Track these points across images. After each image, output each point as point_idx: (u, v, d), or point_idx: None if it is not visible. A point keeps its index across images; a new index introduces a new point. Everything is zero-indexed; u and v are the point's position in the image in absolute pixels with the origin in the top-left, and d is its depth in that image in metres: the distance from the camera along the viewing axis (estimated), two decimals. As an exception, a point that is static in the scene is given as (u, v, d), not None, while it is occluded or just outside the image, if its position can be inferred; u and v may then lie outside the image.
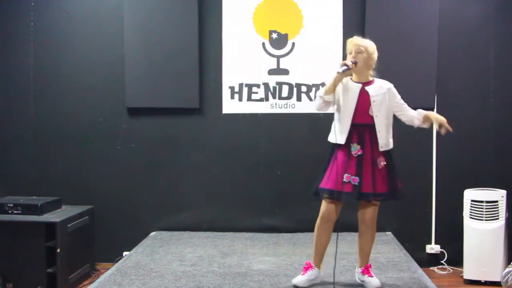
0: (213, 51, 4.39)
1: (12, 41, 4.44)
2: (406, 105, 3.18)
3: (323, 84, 4.39)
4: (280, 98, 4.40)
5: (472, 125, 4.36)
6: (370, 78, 3.12)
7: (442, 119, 3.12)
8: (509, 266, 3.48)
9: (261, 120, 4.42)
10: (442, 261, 4.35)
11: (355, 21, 4.35)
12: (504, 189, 4.01)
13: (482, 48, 4.34)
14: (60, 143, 4.45)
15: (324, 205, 3.13)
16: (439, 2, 4.28)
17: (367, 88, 3.06)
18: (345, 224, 4.37)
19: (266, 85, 4.41)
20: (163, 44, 4.31)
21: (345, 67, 2.98)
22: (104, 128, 4.45)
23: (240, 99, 4.41)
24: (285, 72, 4.41)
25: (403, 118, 3.19)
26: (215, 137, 4.43)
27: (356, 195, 3.03)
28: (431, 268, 4.30)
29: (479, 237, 3.94)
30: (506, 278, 3.43)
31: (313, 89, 4.40)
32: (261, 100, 4.41)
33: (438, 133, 4.34)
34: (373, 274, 3.17)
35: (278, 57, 4.41)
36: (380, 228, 4.35)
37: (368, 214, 3.14)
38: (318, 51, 4.38)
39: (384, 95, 3.08)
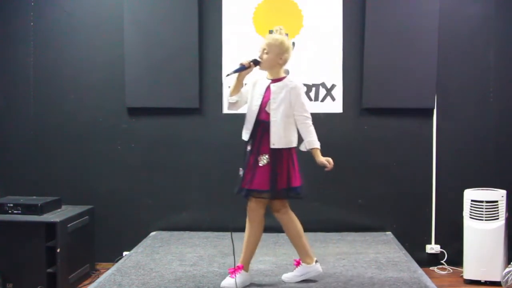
0: (213, 51, 4.39)
1: (12, 41, 4.44)
2: (303, 115, 3.08)
3: (323, 84, 4.40)
4: (280, 98, 4.40)
5: (472, 125, 4.37)
6: (281, 76, 3.12)
7: (327, 163, 3.06)
8: (509, 266, 3.49)
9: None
10: (442, 261, 4.35)
11: (355, 21, 4.35)
12: (504, 189, 4.00)
13: (482, 48, 4.34)
14: (60, 143, 4.45)
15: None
16: (439, 2, 4.28)
17: (272, 84, 3.08)
18: (340, 224, 4.41)
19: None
20: (163, 44, 4.31)
21: (242, 67, 3.01)
22: (104, 128, 4.45)
23: (240, 99, 4.41)
24: (285, 72, 4.40)
25: (298, 126, 3.12)
26: (215, 137, 4.42)
27: (241, 190, 3.05)
28: (431, 268, 4.30)
29: (479, 237, 3.94)
30: (506, 278, 3.43)
31: (313, 89, 4.40)
32: (261, 100, 4.40)
33: (438, 133, 4.37)
34: (234, 276, 3.04)
35: (278, 57, 4.41)
36: (380, 228, 4.39)
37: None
38: (318, 51, 4.38)
39: (286, 93, 3.05)
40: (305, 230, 4.37)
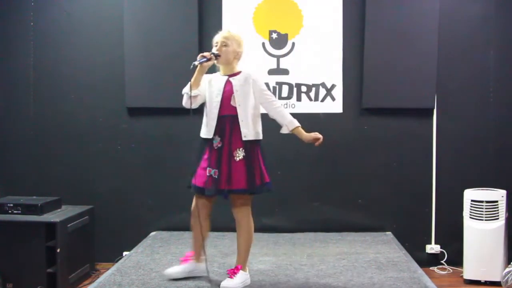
0: (213, 51, 4.39)
1: (12, 41, 4.44)
2: (275, 100, 3.16)
3: (323, 84, 4.40)
4: (280, 98, 4.40)
5: (472, 125, 4.37)
6: (237, 70, 3.14)
7: (316, 137, 3.10)
8: (509, 266, 3.49)
9: (261, 120, 4.41)
10: (442, 261, 4.35)
11: (355, 21, 4.35)
12: (504, 189, 4.00)
13: (482, 48, 4.34)
14: (60, 143, 4.45)
15: (193, 201, 3.18)
16: (439, 2, 4.28)
17: (231, 79, 3.09)
18: (340, 224, 4.41)
19: (266, 85, 4.36)
20: (163, 44, 4.31)
21: (203, 59, 3.00)
22: (104, 128, 4.45)
23: (240, 99, 4.40)
24: (285, 72, 4.41)
25: (268, 112, 3.16)
26: (215, 137, 4.42)
27: (215, 191, 3.02)
28: (431, 268, 4.30)
29: (479, 237, 3.94)
30: (506, 278, 3.44)
31: (313, 89, 4.40)
32: (261, 100, 4.40)
33: (438, 133, 4.37)
34: (234, 277, 3.04)
35: (278, 57, 4.41)
36: (380, 228, 4.39)
37: (235, 209, 3.12)
38: (318, 51, 4.38)
39: (249, 86, 3.08)
40: (305, 230, 4.41)
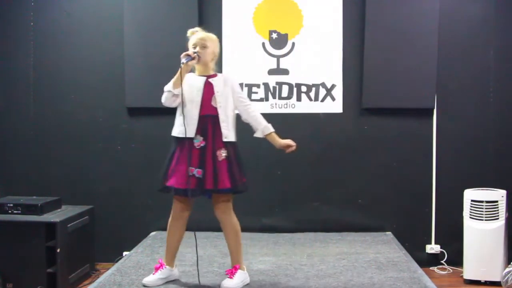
0: (213, 51, 4.39)
1: (12, 41, 4.44)
2: (250, 104, 3.19)
3: (323, 84, 4.40)
4: (280, 98, 4.40)
5: (472, 125, 4.37)
6: (213, 72, 3.16)
7: (289, 143, 3.12)
8: (509, 266, 3.49)
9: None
10: (442, 261, 4.35)
11: (355, 21, 4.35)
12: (504, 189, 4.00)
13: (482, 48, 4.34)
14: (60, 143, 4.45)
15: (174, 204, 3.16)
16: (439, 2, 4.28)
17: (211, 80, 3.10)
18: (340, 224, 4.41)
19: (266, 85, 4.41)
20: (163, 44, 4.30)
21: (188, 58, 2.99)
22: (104, 128, 4.45)
23: (240, 99, 4.41)
24: (285, 72, 4.41)
25: (243, 116, 3.18)
26: (215, 137, 4.42)
27: (199, 191, 3.02)
28: (431, 268, 4.30)
29: (479, 237, 3.94)
30: (506, 278, 3.44)
31: (313, 89, 4.40)
32: (261, 100, 4.41)
33: (438, 133, 4.37)
34: (233, 277, 3.06)
35: (278, 57, 4.41)
36: (380, 228, 4.39)
37: (219, 210, 3.14)
38: (318, 51, 4.38)
39: (229, 89, 3.11)
40: (305, 230, 4.41)
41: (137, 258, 3.68)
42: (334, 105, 4.40)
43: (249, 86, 4.40)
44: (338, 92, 4.39)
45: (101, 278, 3.27)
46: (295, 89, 4.41)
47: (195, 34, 3.12)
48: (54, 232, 3.66)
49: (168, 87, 3.07)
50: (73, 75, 4.43)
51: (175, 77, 3.02)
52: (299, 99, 4.40)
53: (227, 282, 3.05)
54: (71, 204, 4.20)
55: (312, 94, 4.40)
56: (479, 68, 4.35)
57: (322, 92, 4.40)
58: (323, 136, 4.41)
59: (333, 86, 4.39)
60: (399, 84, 4.31)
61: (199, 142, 3.05)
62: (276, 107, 4.41)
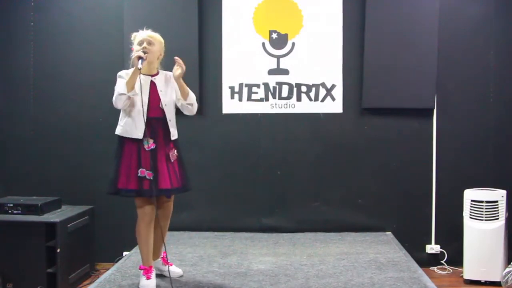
0: (213, 51, 4.39)
1: (12, 41, 4.44)
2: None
3: (323, 84, 4.40)
4: (280, 98, 4.40)
5: (472, 125, 4.37)
6: (156, 71, 3.15)
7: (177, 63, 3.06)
8: (509, 266, 3.49)
9: (261, 120, 4.42)
10: (442, 261, 4.35)
11: (355, 21, 4.35)
12: (504, 189, 4.01)
13: (482, 48, 4.34)
14: (60, 143, 4.45)
15: (143, 207, 3.04)
16: (439, 2, 4.28)
17: (154, 79, 3.10)
18: (340, 224, 4.41)
19: (266, 85, 4.41)
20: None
21: (142, 60, 2.95)
22: (104, 128, 4.44)
23: (240, 99, 4.41)
24: (285, 72, 4.41)
25: (178, 103, 3.16)
26: (215, 137, 4.43)
27: (157, 191, 2.99)
28: (431, 268, 4.30)
29: (479, 237, 3.94)
30: (506, 278, 3.44)
31: (313, 89, 4.40)
32: (261, 100, 4.41)
33: (438, 133, 4.37)
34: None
35: (278, 57, 4.41)
36: (380, 228, 4.39)
37: (169, 208, 3.24)
38: (318, 51, 4.38)
39: (171, 85, 3.12)
40: (305, 230, 4.41)
41: (137, 258, 3.67)
42: (334, 105, 4.40)
43: (249, 86, 4.40)
44: (338, 92, 4.39)
45: (101, 278, 3.27)
46: (295, 89, 4.41)
47: (140, 32, 3.11)
48: (54, 232, 3.66)
49: (122, 89, 2.98)
50: (73, 75, 4.43)
51: (129, 79, 2.96)
52: (299, 99, 4.40)
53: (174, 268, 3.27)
54: (71, 204, 4.20)
55: (312, 94, 4.40)
56: (479, 68, 4.35)
57: (322, 92, 4.40)
58: (323, 136, 4.41)
59: (333, 86, 4.39)
60: (399, 84, 4.31)
61: (149, 144, 3.03)
62: (276, 107, 4.41)
